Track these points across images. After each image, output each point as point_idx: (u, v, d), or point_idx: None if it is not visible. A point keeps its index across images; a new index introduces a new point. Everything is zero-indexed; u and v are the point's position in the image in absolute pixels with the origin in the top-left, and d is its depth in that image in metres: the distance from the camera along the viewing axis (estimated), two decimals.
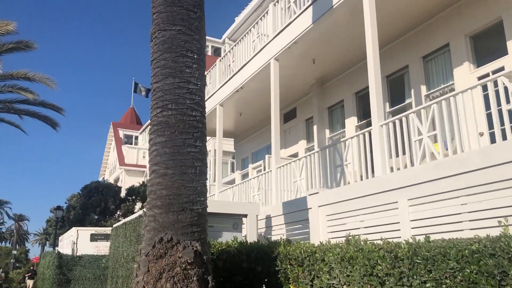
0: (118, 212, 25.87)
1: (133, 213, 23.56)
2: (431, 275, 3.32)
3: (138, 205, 26.69)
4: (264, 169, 13.42)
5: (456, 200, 4.78)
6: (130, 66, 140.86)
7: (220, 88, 13.83)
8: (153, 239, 4.61)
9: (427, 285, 3.33)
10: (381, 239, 4.13)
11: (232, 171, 23.48)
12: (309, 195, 7.32)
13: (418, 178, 5.35)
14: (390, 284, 3.67)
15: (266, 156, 13.18)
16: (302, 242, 5.49)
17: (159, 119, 4.98)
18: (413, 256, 3.52)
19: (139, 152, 45.54)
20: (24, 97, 17.49)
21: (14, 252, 57.12)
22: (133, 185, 26.87)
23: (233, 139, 18.24)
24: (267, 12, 11.50)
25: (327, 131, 12.27)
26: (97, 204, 25.05)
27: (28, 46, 18.09)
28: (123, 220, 9.71)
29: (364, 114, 11.16)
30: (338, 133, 11.94)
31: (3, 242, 73.14)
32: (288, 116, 14.19)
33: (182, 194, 4.72)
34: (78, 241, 16.83)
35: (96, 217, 25.81)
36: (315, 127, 12.42)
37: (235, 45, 13.47)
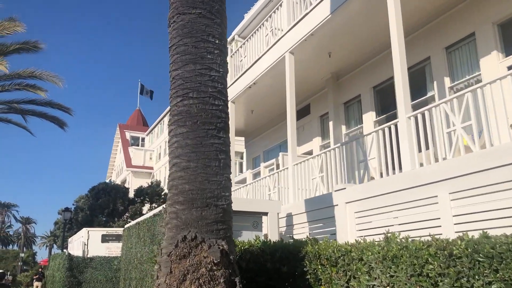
0: (126, 214, 25.58)
1: (141, 214, 23.26)
2: (498, 275, 2.93)
3: (147, 206, 26.41)
4: (277, 168, 13.03)
5: (508, 193, 4.36)
6: (136, 67, 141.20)
7: (231, 85, 13.47)
8: (176, 237, 4.24)
9: (494, 286, 2.94)
10: (429, 235, 3.75)
11: (241, 171, 23.11)
12: (335, 191, 6.92)
13: (461, 170, 4.94)
14: (445, 285, 3.29)
15: (280, 153, 12.81)
16: (332, 240, 5.11)
17: (179, 109, 4.62)
18: (473, 254, 3.12)
19: (146, 153, 45.47)
20: (31, 97, 17.29)
21: (22, 255, 57.24)
22: (141, 186, 26.59)
23: (243, 138, 17.87)
24: (280, 5, 11.14)
25: (343, 127, 11.87)
26: (105, 205, 24.75)
27: (36, 46, 17.86)
28: (136, 220, 9.38)
29: (383, 108, 10.76)
30: (355, 129, 11.54)
31: (11, 245, 73.44)
32: (301, 113, 13.78)
33: (206, 188, 4.36)
34: (89, 242, 16.46)
35: (104, 218, 25.53)
36: (330, 123, 12.03)
37: (246, 41, 13.12)
